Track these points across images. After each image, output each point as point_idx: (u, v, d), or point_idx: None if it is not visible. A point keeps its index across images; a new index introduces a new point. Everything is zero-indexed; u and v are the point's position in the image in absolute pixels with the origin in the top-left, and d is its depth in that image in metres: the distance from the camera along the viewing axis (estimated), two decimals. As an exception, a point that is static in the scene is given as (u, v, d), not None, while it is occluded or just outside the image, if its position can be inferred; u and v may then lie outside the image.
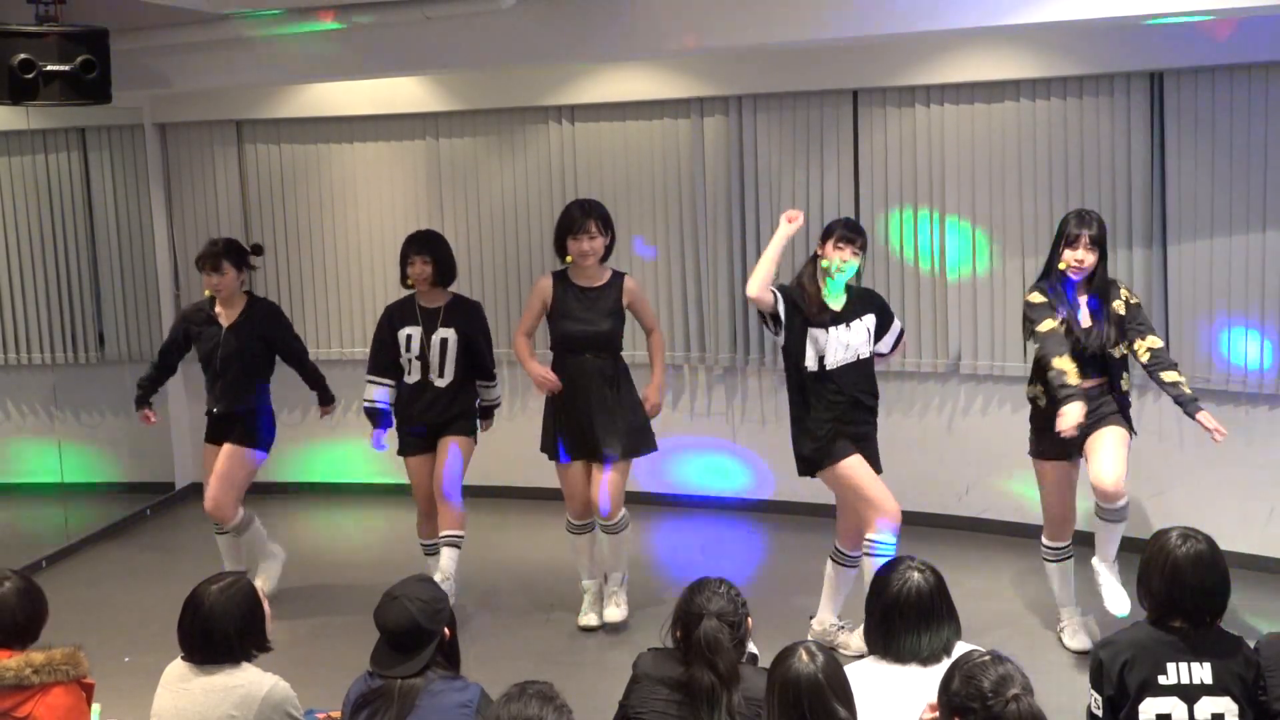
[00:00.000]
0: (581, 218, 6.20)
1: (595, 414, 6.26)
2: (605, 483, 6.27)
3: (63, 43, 5.64)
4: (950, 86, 7.53)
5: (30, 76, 5.57)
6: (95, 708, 4.15)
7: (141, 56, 7.38)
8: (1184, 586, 3.83)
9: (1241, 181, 6.79)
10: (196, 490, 8.81)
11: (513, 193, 8.59)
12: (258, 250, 7.00)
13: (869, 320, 5.94)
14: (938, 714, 3.30)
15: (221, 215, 9.03)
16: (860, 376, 5.92)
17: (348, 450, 9.00)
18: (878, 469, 5.95)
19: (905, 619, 3.78)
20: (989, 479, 7.78)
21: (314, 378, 7.03)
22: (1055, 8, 5.82)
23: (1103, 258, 5.82)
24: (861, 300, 5.99)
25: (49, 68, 5.61)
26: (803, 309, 5.85)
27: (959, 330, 7.73)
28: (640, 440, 6.37)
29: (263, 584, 6.82)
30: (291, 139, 8.91)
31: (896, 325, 6.13)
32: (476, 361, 6.63)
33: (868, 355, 5.95)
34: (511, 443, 8.59)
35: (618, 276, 6.36)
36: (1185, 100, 6.91)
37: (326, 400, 7.11)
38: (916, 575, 3.82)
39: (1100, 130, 7.18)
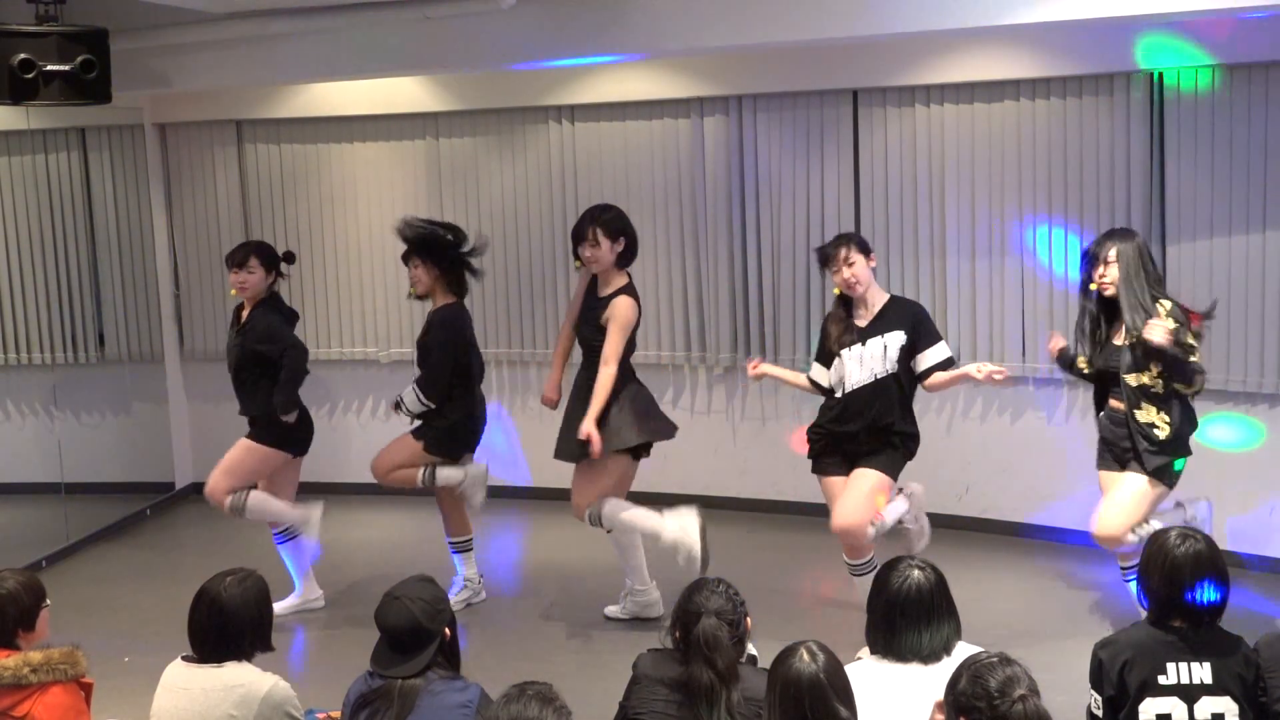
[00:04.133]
0: (581, 226, 6.23)
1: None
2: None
3: (63, 43, 5.64)
4: (950, 86, 7.53)
5: (30, 76, 5.57)
6: None
7: (141, 56, 7.39)
8: (1183, 585, 3.83)
9: (1241, 181, 6.80)
10: (196, 490, 8.81)
11: (513, 193, 8.59)
12: (290, 258, 6.87)
13: (894, 337, 5.79)
14: (945, 714, 3.31)
15: (221, 215, 9.04)
16: (876, 400, 5.83)
17: (348, 450, 9.00)
18: (894, 474, 5.94)
19: (906, 616, 3.79)
20: (989, 479, 7.78)
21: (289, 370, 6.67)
22: (1055, 8, 5.82)
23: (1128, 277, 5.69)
24: (895, 315, 5.83)
25: (49, 68, 5.61)
26: (828, 346, 5.93)
27: (958, 330, 7.73)
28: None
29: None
30: (291, 139, 8.91)
31: (938, 352, 5.83)
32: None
33: (884, 375, 5.81)
34: (513, 443, 8.60)
35: (618, 293, 6.25)
36: (1185, 100, 6.91)
37: (284, 406, 6.66)
38: (917, 573, 3.84)
39: (1100, 130, 7.18)
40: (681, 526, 6.21)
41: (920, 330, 5.83)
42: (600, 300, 6.28)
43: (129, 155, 8.85)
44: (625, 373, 6.28)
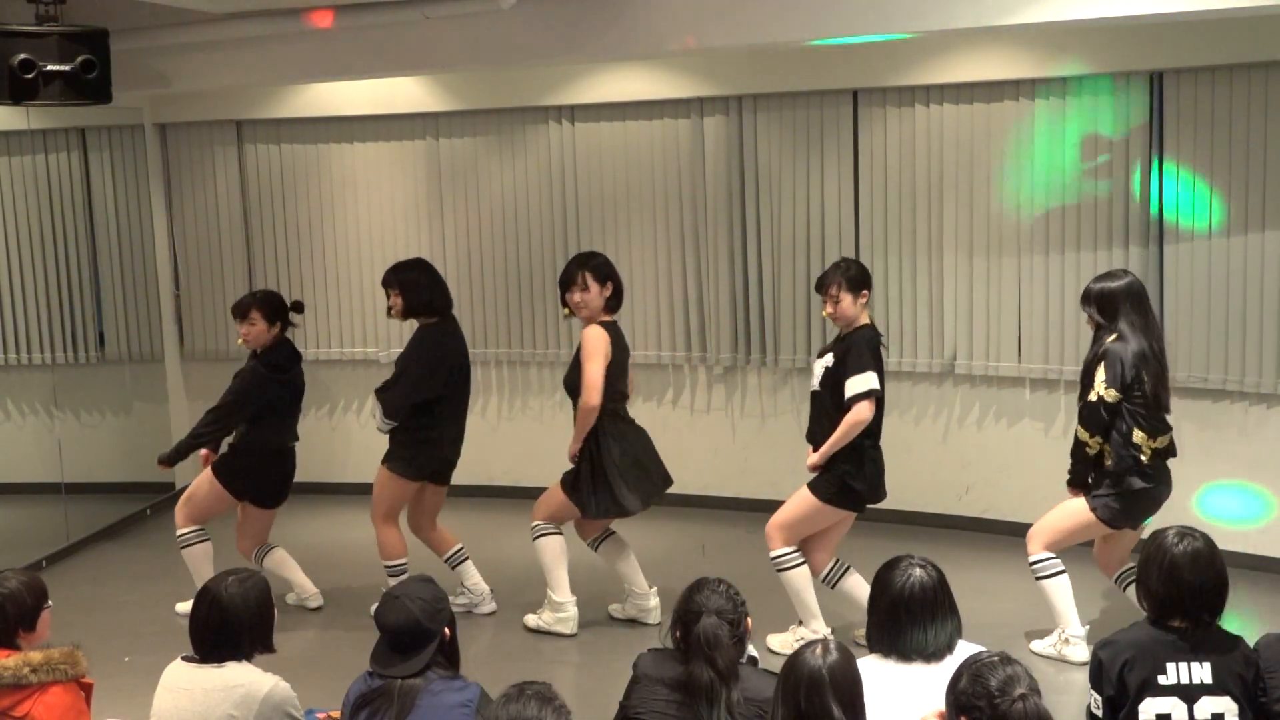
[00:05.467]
0: (570, 271, 6.24)
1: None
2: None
3: (63, 43, 5.64)
4: (950, 86, 7.53)
5: (30, 76, 5.57)
6: None
7: (141, 56, 7.39)
8: (1182, 585, 3.84)
9: (1241, 181, 6.80)
10: (196, 490, 8.83)
11: (513, 193, 8.59)
12: (298, 308, 6.86)
13: (828, 358, 5.94)
14: (945, 715, 3.31)
15: (221, 215, 9.04)
16: (813, 409, 6.04)
17: (348, 450, 9.01)
18: (823, 496, 5.99)
19: (910, 614, 3.80)
20: (989, 480, 7.79)
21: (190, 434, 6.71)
22: (1055, 8, 5.82)
23: (1103, 323, 5.70)
24: (843, 341, 5.93)
25: (49, 68, 5.61)
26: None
27: (955, 330, 7.73)
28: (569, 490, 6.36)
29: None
30: (291, 139, 8.91)
31: (855, 383, 5.79)
32: None
33: (815, 389, 5.99)
34: (512, 443, 8.60)
35: (594, 325, 6.26)
36: (1185, 100, 6.91)
37: (169, 456, 6.72)
38: (919, 571, 3.85)
39: (1098, 130, 7.18)
40: (559, 620, 6.41)
41: (849, 357, 5.85)
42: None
43: (129, 155, 8.85)
44: (618, 420, 6.29)
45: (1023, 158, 7.42)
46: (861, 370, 5.78)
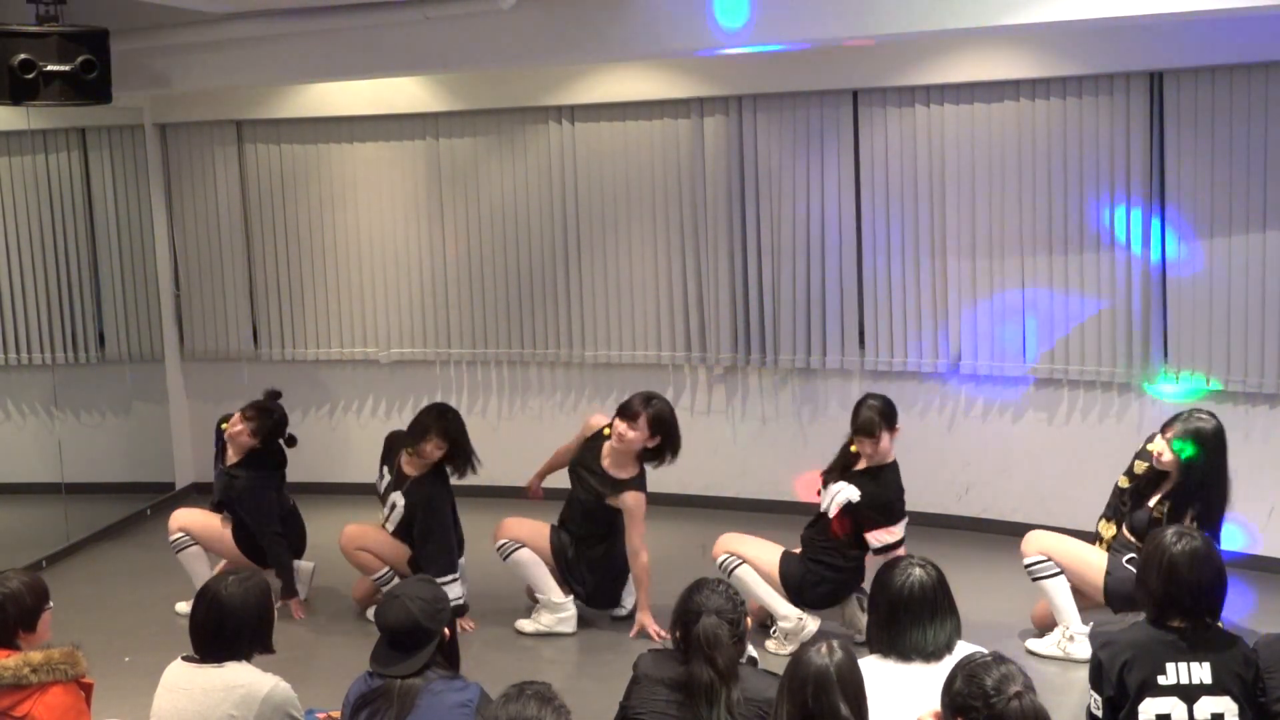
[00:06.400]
0: (634, 405, 6.24)
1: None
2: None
3: (63, 43, 5.64)
4: (950, 86, 7.53)
5: (30, 76, 5.58)
6: None
7: (141, 56, 7.39)
8: (1181, 583, 3.84)
9: (1241, 181, 6.80)
10: (197, 490, 8.82)
11: (513, 193, 8.59)
12: (291, 442, 6.85)
13: (850, 492, 6.01)
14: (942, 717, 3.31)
15: (221, 215, 9.04)
16: (818, 520, 6.14)
17: (348, 450, 9.01)
18: (780, 567, 6.14)
19: (910, 613, 3.81)
20: (989, 479, 7.79)
21: (276, 562, 6.69)
22: (1055, 8, 5.82)
23: (1191, 469, 5.65)
24: (867, 475, 6.02)
25: (49, 68, 5.62)
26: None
27: (958, 330, 7.73)
28: (599, 596, 6.53)
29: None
30: (291, 139, 8.91)
31: (874, 538, 5.97)
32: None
33: (825, 512, 6.08)
34: (511, 443, 8.60)
35: (631, 483, 6.28)
36: (1185, 100, 6.91)
37: (287, 592, 6.69)
38: (919, 570, 3.86)
39: (1100, 130, 7.18)
40: (560, 620, 6.46)
41: (878, 504, 5.98)
42: (608, 478, 6.32)
43: (129, 155, 8.85)
44: (616, 538, 6.44)
45: (1023, 158, 7.42)
46: (892, 522, 5.97)
